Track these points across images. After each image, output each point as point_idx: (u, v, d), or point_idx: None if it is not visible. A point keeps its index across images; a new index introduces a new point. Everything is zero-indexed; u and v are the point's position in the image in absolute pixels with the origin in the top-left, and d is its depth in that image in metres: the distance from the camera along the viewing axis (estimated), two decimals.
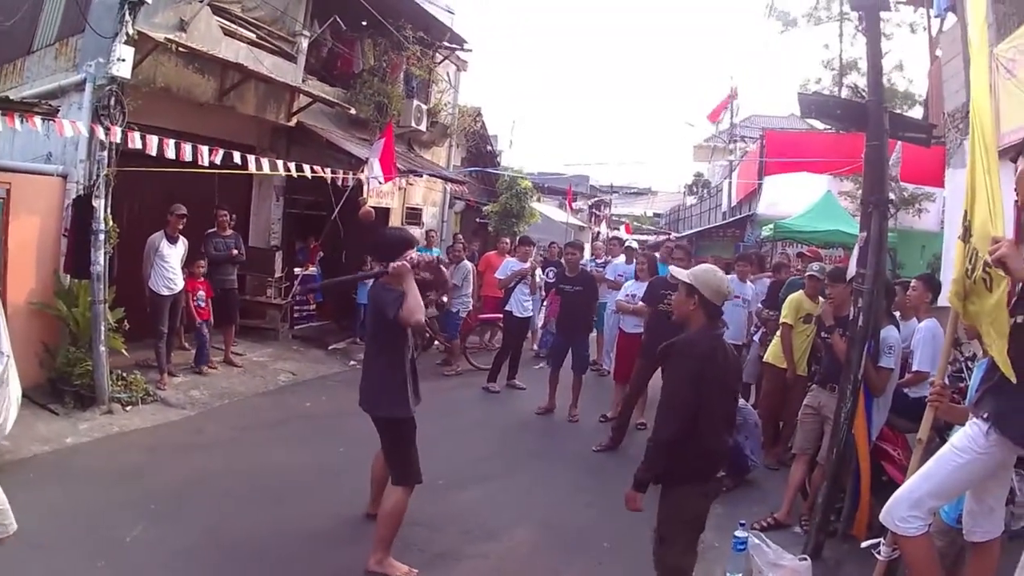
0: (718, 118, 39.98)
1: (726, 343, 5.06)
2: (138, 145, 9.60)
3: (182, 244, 11.26)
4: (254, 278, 14.76)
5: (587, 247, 25.29)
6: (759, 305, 11.13)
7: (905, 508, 4.32)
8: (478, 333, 16.31)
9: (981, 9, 4.93)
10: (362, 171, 13.57)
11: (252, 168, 11.03)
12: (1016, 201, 4.34)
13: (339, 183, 13.41)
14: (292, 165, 11.80)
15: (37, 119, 9.27)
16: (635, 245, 17.78)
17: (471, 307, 15.31)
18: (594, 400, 12.07)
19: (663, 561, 5.00)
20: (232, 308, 12.76)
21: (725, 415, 5.00)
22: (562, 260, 13.01)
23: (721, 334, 5.03)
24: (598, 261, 17.26)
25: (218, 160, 10.37)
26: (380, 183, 14.08)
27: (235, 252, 12.41)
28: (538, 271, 17.68)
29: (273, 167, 11.52)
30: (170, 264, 10.98)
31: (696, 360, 4.74)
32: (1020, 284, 3.97)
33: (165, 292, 10.92)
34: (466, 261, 15.29)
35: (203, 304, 11.87)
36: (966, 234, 4.38)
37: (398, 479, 6.02)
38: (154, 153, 9.69)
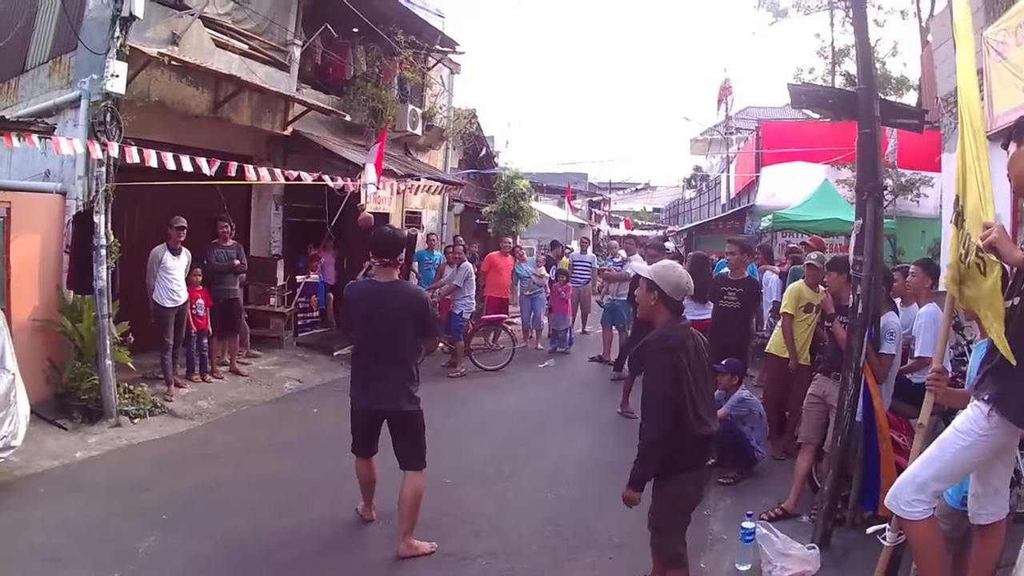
0: (722, 104, 39.96)
1: (695, 332, 5.11)
2: (136, 160, 9.63)
3: (185, 256, 11.29)
4: (257, 287, 14.80)
5: (573, 245, 25.42)
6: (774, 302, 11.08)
7: (910, 492, 4.35)
8: (482, 334, 16.29)
9: None
10: (359, 177, 13.58)
11: (252, 177, 11.05)
12: (1012, 186, 4.36)
13: (336, 190, 13.41)
14: (293, 174, 11.85)
15: (34, 137, 9.30)
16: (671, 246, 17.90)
17: (474, 308, 15.34)
18: (605, 394, 12.17)
19: (663, 550, 5.10)
20: (236, 318, 12.78)
21: (707, 401, 5.03)
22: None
23: (686, 325, 5.05)
24: (615, 260, 17.29)
25: (214, 171, 10.41)
26: (377, 189, 14.11)
27: (237, 262, 12.38)
28: (542, 269, 17.80)
29: (272, 176, 11.56)
30: (174, 276, 11.00)
31: (670, 353, 4.79)
32: (1013, 268, 4.00)
33: (170, 304, 10.95)
34: (467, 262, 15.25)
35: (201, 313, 11.88)
36: (959, 219, 4.41)
37: (416, 464, 6.36)
38: (154, 165, 9.75)
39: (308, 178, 12.18)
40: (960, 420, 4.28)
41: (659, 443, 4.77)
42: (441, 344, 15.03)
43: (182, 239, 11.17)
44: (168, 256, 10.97)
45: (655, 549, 5.18)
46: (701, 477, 5.15)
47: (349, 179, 13.46)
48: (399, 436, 6.40)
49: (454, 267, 15.04)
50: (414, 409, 6.32)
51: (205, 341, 12.14)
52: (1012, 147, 4.31)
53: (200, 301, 11.83)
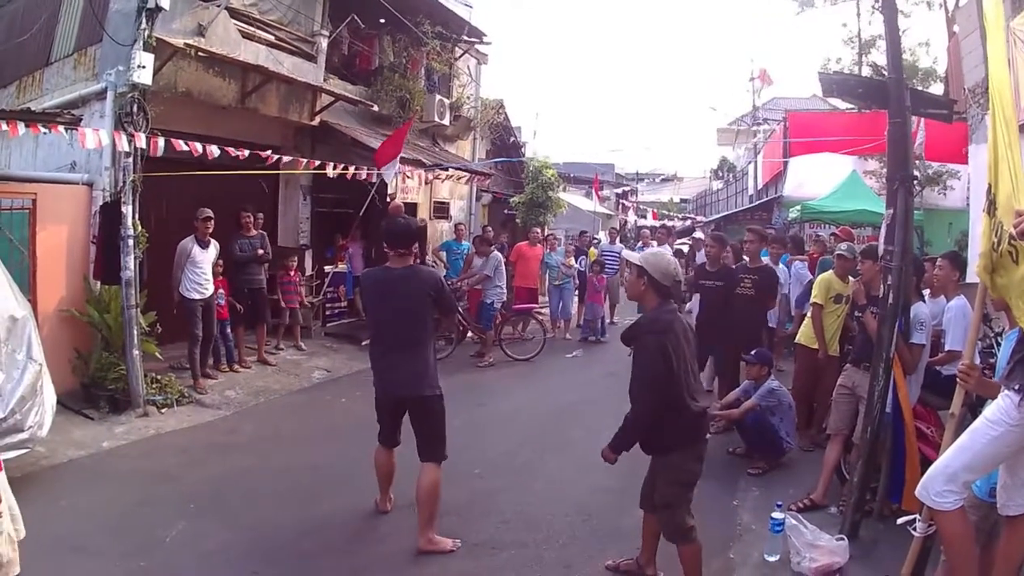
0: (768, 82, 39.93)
1: (681, 317, 5.39)
2: (162, 151, 9.67)
3: (214, 248, 11.29)
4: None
5: (601, 236, 25.36)
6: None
7: (940, 483, 4.31)
8: (511, 324, 16.37)
9: None
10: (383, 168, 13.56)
11: (285, 160, 11.15)
12: None
13: (363, 179, 13.40)
14: (330, 166, 11.89)
15: (61, 128, 9.34)
16: (701, 235, 17.94)
17: (504, 298, 15.38)
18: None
19: (672, 523, 5.35)
20: (262, 307, 12.79)
21: (697, 381, 5.39)
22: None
23: (674, 309, 5.38)
24: (646, 249, 17.31)
25: (245, 155, 10.48)
26: (407, 178, 14.07)
27: (260, 252, 12.39)
28: (571, 259, 17.79)
29: (300, 166, 11.61)
30: (202, 269, 10.98)
31: (659, 335, 5.11)
32: None
33: (196, 296, 10.92)
34: (496, 252, 15.32)
35: (222, 303, 11.88)
36: (991, 208, 4.36)
37: (434, 456, 6.35)
38: (184, 147, 9.82)
39: (336, 167, 12.20)
40: (991, 410, 4.24)
41: (645, 417, 5.19)
42: (471, 333, 15.05)
43: (210, 230, 11.13)
44: (197, 249, 10.95)
45: (665, 525, 5.44)
46: (701, 452, 5.41)
47: (376, 170, 13.45)
48: (419, 424, 6.41)
49: (483, 258, 15.03)
50: (434, 394, 6.33)
51: (229, 331, 12.19)
52: None
53: (220, 291, 11.82)
